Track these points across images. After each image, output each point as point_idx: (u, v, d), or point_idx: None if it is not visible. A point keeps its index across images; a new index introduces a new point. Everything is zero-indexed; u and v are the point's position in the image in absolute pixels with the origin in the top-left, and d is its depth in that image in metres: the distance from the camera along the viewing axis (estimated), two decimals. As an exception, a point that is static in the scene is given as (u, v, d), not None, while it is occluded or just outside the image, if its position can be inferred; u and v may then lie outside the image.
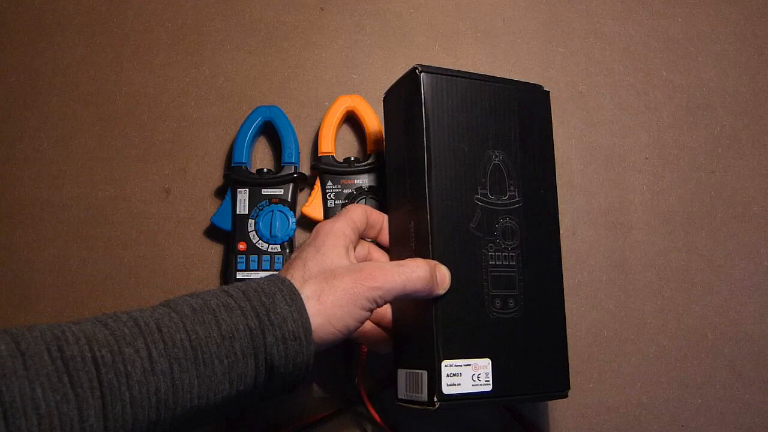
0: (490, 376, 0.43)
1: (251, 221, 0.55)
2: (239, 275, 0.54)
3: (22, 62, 0.62)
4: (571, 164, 0.60)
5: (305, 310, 0.38)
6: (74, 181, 0.59)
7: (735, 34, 0.64)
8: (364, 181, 0.56)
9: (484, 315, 0.44)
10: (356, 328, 0.41)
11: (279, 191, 0.56)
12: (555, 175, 0.50)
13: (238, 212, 0.55)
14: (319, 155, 0.57)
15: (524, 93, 0.49)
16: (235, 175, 0.56)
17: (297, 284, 0.40)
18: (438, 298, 0.43)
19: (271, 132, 0.59)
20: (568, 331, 0.49)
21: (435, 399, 0.42)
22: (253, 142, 0.58)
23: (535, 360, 0.45)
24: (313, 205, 0.56)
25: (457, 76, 0.47)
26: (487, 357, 0.44)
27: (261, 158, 0.60)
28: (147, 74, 0.62)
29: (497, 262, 0.45)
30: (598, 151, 0.61)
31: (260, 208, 0.56)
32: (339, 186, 0.56)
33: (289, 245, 0.55)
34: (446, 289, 0.43)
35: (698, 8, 0.65)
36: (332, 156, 0.57)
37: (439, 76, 0.46)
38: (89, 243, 0.58)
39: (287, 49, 0.63)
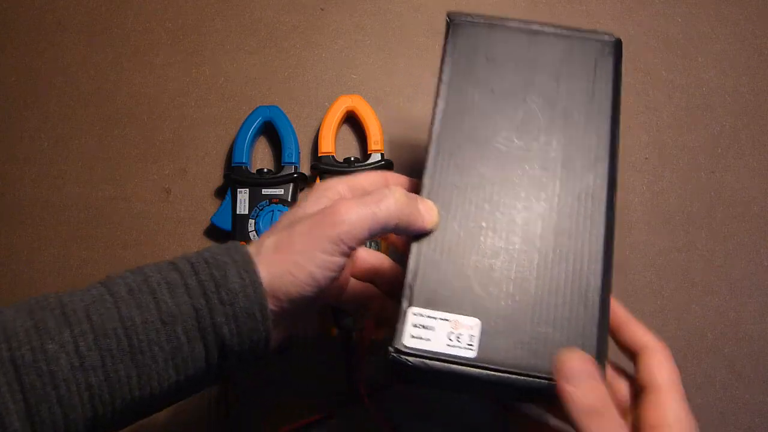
0: (476, 340, 0.36)
1: (251, 221, 0.55)
2: (239, 275, 0.54)
3: (22, 62, 0.62)
4: (571, 164, 0.60)
5: (260, 283, 0.34)
6: (74, 181, 0.59)
7: (735, 34, 0.64)
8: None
9: (480, 268, 0.37)
10: (327, 278, 0.35)
11: (279, 191, 0.56)
12: (617, 132, 0.42)
13: (238, 212, 0.56)
14: (319, 155, 0.57)
15: (583, 42, 0.44)
16: (235, 175, 0.56)
17: (258, 247, 0.36)
18: (422, 235, 0.38)
19: (271, 132, 0.59)
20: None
21: (390, 347, 0.36)
22: (253, 142, 0.59)
23: (549, 336, 0.36)
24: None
25: (496, 25, 0.43)
26: (477, 317, 0.36)
27: (261, 158, 0.60)
28: (147, 74, 0.62)
29: (512, 211, 0.39)
30: (598, 151, 0.61)
31: (260, 208, 0.56)
32: (339, 186, 0.56)
33: (289, 245, 0.55)
34: (434, 225, 0.38)
35: (698, 8, 0.65)
36: (332, 156, 0.57)
37: (472, 25, 0.43)
38: (89, 243, 0.58)
39: (287, 49, 0.63)
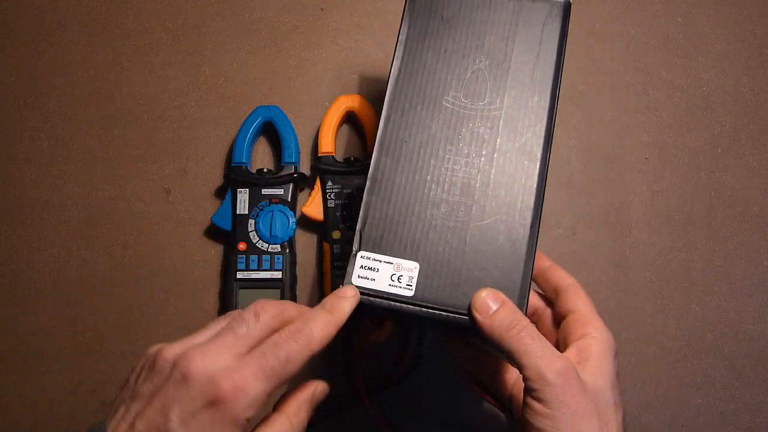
0: (414, 281, 0.40)
1: (251, 221, 0.55)
2: (239, 275, 0.55)
3: (22, 62, 0.62)
4: (571, 164, 0.60)
5: None
6: (74, 181, 0.59)
7: (735, 34, 0.64)
8: (364, 181, 0.56)
9: (422, 217, 0.41)
10: None
11: (279, 191, 0.56)
12: (557, 92, 0.45)
13: (238, 212, 0.56)
14: (319, 155, 0.57)
15: (534, 3, 0.46)
16: (235, 175, 0.56)
17: None
18: (371, 190, 0.42)
19: (271, 132, 0.59)
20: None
21: (341, 285, 0.40)
22: (253, 142, 0.59)
23: (477, 279, 0.40)
24: (313, 205, 0.56)
25: None
26: (417, 261, 0.40)
27: (261, 158, 0.60)
28: (147, 74, 0.62)
29: (454, 166, 0.42)
30: (598, 151, 0.61)
31: (260, 208, 0.56)
32: (339, 186, 0.56)
33: (289, 245, 0.55)
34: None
35: (698, 8, 0.65)
36: (332, 156, 0.57)
37: None
38: (89, 243, 0.58)
39: (287, 49, 0.63)
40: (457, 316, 0.39)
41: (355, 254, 0.41)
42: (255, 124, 0.58)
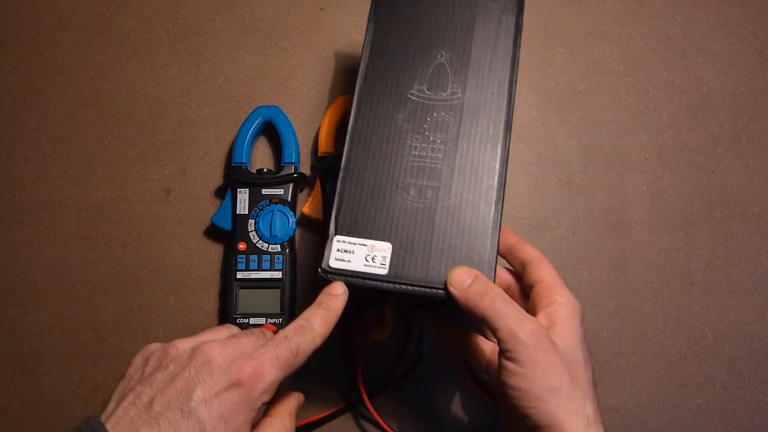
0: (388, 260, 0.42)
1: (251, 221, 0.55)
2: (239, 275, 0.55)
3: (22, 62, 0.62)
4: (571, 164, 0.60)
5: None
6: (74, 181, 0.59)
7: (735, 34, 0.64)
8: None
9: (393, 200, 0.44)
10: None
11: (279, 191, 0.56)
12: (514, 80, 0.47)
13: (238, 212, 0.56)
14: (319, 155, 0.57)
15: (488, 1, 0.49)
16: (235, 175, 0.56)
17: None
18: (345, 178, 0.44)
19: (271, 132, 0.59)
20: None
21: (319, 270, 0.42)
22: (253, 142, 0.58)
23: (448, 256, 0.43)
24: (313, 205, 0.56)
25: None
26: (389, 242, 0.43)
27: (261, 158, 0.60)
28: (147, 74, 0.62)
29: (421, 153, 0.45)
30: (598, 151, 0.61)
31: (260, 208, 0.56)
32: (339, 186, 0.56)
33: (289, 245, 0.55)
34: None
35: (698, 8, 0.65)
36: (332, 156, 0.57)
37: None
38: (89, 243, 0.58)
39: (287, 49, 0.63)
40: (432, 290, 0.42)
41: (332, 238, 0.43)
42: (255, 124, 0.58)
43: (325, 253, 0.43)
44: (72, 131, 0.61)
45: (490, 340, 0.47)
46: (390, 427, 0.52)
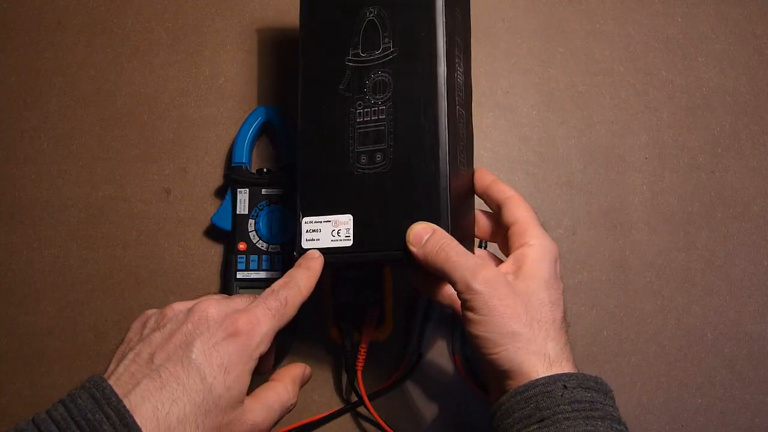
0: (351, 231, 0.44)
1: (251, 221, 0.55)
2: (239, 275, 0.55)
3: (22, 62, 0.62)
4: (571, 164, 0.60)
5: None
6: (74, 181, 0.59)
7: (735, 34, 0.64)
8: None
9: (347, 172, 0.44)
10: None
11: (279, 191, 0.56)
12: (437, 25, 0.44)
13: (238, 212, 0.56)
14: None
15: None
16: (235, 175, 0.56)
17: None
18: (303, 158, 0.46)
19: (271, 132, 0.59)
20: (570, 330, 0.48)
21: (294, 253, 0.45)
22: (253, 142, 0.58)
23: (403, 216, 0.43)
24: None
25: None
26: (349, 213, 0.44)
27: (261, 158, 0.60)
28: (147, 74, 0.62)
29: (365, 119, 0.45)
30: (598, 151, 0.61)
31: (260, 208, 0.56)
32: (339, 186, 0.56)
33: (290, 245, 0.55)
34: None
35: (698, 8, 0.65)
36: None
37: None
38: (89, 243, 0.58)
39: (287, 49, 0.63)
40: (391, 253, 0.43)
41: (300, 222, 0.45)
42: (255, 124, 0.58)
43: (297, 237, 0.45)
44: (72, 131, 0.61)
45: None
46: (390, 427, 0.52)
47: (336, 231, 0.44)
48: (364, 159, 0.44)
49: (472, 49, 0.65)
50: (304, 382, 0.43)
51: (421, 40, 0.44)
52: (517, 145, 0.61)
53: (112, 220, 0.59)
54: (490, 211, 0.49)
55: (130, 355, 0.36)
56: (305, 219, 0.45)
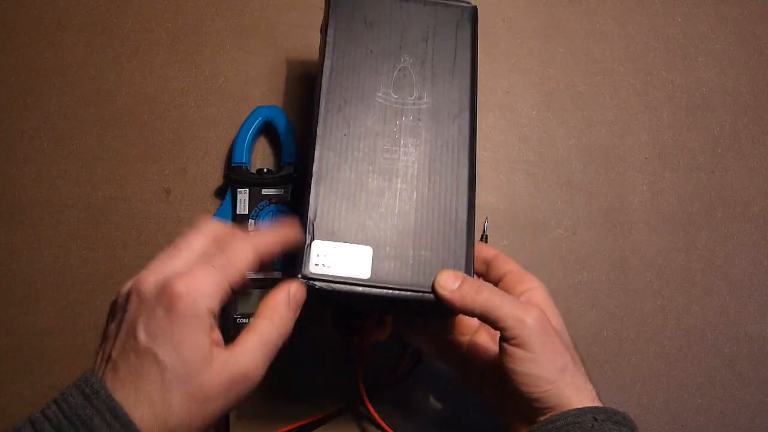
0: (369, 264, 0.42)
1: (251, 221, 0.55)
2: (239, 275, 0.54)
3: (22, 62, 0.62)
4: (571, 164, 0.60)
5: (133, 425, 0.33)
6: (74, 181, 0.59)
7: (735, 34, 0.64)
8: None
9: (370, 205, 0.44)
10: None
11: (279, 191, 0.56)
12: (475, 87, 0.49)
13: (238, 212, 0.55)
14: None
15: (447, 8, 0.50)
16: (235, 175, 0.56)
17: (147, 402, 0.34)
18: (318, 183, 0.44)
19: (271, 132, 0.59)
20: (570, 330, 0.49)
21: (299, 275, 0.41)
22: (253, 142, 0.58)
23: (428, 258, 0.43)
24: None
25: None
26: (369, 245, 0.43)
27: (261, 158, 0.60)
28: (147, 74, 0.62)
29: (393, 156, 0.45)
30: (598, 151, 0.61)
31: (260, 208, 0.55)
32: (339, 186, 0.56)
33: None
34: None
35: (698, 8, 0.65)
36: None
37: None
38: (89, 243, 0.58)
39: (287, 49, 0.63)
40: (420, 294, 0.42)
41: (309, 244, 0.42)
42: (255, 124, 0.58)
43: (304, 258, 0.42)
44: (72, 131, 0.61)
45: (461, 338, 0.48)
46: (390, 427, 0.52)
47: (353, 260, 0.42)
48: (388, 195, 0.44)
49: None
50: (296, 302, 0.40)
51: (454, 103, 0.47)
52: (517, 145, 0.61)
53: (112, 220, 0.59)
54: None
55: (99, 356, 0.36)
56: (316, 242, 0.42)
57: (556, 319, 0.43)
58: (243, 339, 0.37)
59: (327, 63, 0.47)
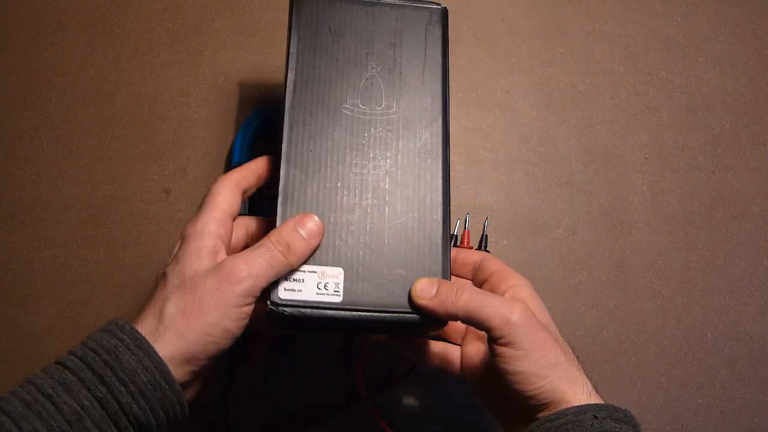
0: (341, 286, 0.40)
1: (251, 221, 0.55)
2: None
3: (22, 62, 0.62)
4: (571, 164, 0.60)
5: (154, 352, 0.35)
6: (74, 181, 0.59)
7: (735, 34, 0.64)
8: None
9: (340, 223, 0.42)
10: (241, 327, 0.38)
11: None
12: (447, 92, 0.46)
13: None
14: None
15: (415, 11, 0.47)
16: (235, 175, 0.56)
17: (158, 317, 0.37)
18: (285, 203, 0.42)
19: (271, 132, 0.59)
20: (570, 330, 0.49)
21: (267, 301, 0.40)
22: (253, 142, 0.58)
23: (401, 275, 0.41)
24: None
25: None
26: (340, 267, 0.41)
27: (261, 158, 0.60)
28: (147, 74, 0.62)
29: (362, 170, 0.43)
30: (598, 151, 0.61)
31: (260, 208, 0.55)
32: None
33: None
34: (319, 240, 0.41)
35: (698, 8, 0.65)
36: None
37: (314, 0, 0.47)
38: (89, 243, 0.58)
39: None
40: (397, 314, 0.41)
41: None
42: (255, 124, 0.58)
43: (271, 285, 0.40)
44: (72, 131, 0.61)
45: (447, 341, 0.47)
46: (390, 427, 0.52)
47: (323, 284, 0.41)
48: (358, 212, 0.42)
49: (472, 48, 0.65)
50: (310, 234, 0.40)
51: (425, 111, 0.45)
52: (517, 145, 0.61)
53: (112, 220, 0.59)
54: None
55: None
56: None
57: (541, 313, 0.42)
58: (252, 251, 0.39)
59: (290, 75, 0.45)
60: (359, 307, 0.40)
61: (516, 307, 0.39)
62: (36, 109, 0.61)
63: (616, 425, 0.38)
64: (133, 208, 0.59)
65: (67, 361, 0.35)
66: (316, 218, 0.41)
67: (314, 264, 0.41)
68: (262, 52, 0.62)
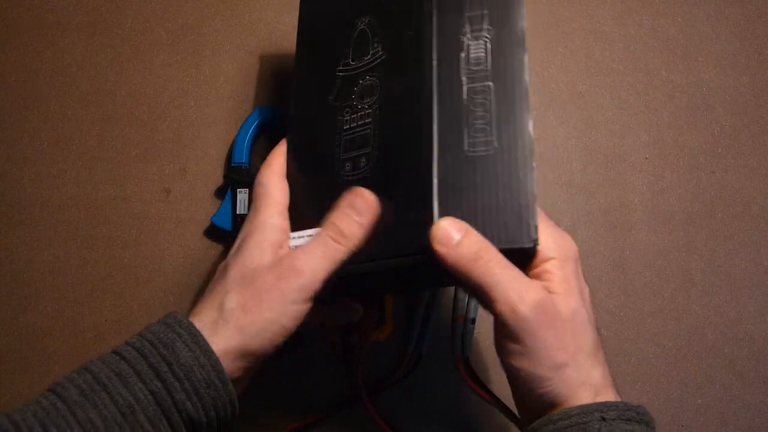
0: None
1: (251, 221, 0.55)
2: (239, 275, 0.54)
3: (22, 62, 0.62)
4: (571, 164, 0.60)
5: (211, 350, 0.35)
6: (74, 181, 0.59)
7: (735, 34, 0.64)
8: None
9: (334, 182, 0.41)
10: (297, 324, 0.37)
11: (279, 191, 0.56)
12: (433, 20, 0.42)
13: (238, 212, 0.56)
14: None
15: None
16: (235, 175, 0.56)
17: (218, 311, 0.36)
18: (291, 176, 0.43)
19: (271, 132, 0.59)
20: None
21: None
22: (253, 142, 0.58)
23: (392, 219, 0.39)
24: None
25: None
26: None
27: (261, 158, 0.60)
28: (147, 74, 0.62)
29: (352, 125, 0.42)
30: (598, 151, 0.61)
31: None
32: (339, 186, 0.56)
33: (289, 245, 0.55)
34: (373, 214, 0.38)
35: (698, 8, 0.65)
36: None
37: None
38: (89, 243, 0.58)
39: (287, 49, 0.63)
40: (411, 257, 0.37)
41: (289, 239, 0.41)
42: (255, 124, 0.58)
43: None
44: (72, 131, 0.61)
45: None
46: (390, 427, 0.52)
47: None
48: (348, 165, 0.42)
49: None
50: (360, 213, 0.38)
51: (408, 43, 0.42)
52: (517, 145, 0.61)
53: (112, 220, 0.58)
54: None
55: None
56: (294, 234, 0.41)
57: (569, 300, 0.35)
58: (307, 245, 0.38)
59: (297, 49, 0.47)
60: (362, 258, 0.39)
61: (530, 296, 0.34)
62: (36, 109, 0.61)
63: (627, 426, 0.33)
64: (133, 208, 0.59)
65: (123, 351, 0.35)
66: (366, 193, 0.38)
67: (316, 227, 0.40)
68: (262, 52, 0.62)
